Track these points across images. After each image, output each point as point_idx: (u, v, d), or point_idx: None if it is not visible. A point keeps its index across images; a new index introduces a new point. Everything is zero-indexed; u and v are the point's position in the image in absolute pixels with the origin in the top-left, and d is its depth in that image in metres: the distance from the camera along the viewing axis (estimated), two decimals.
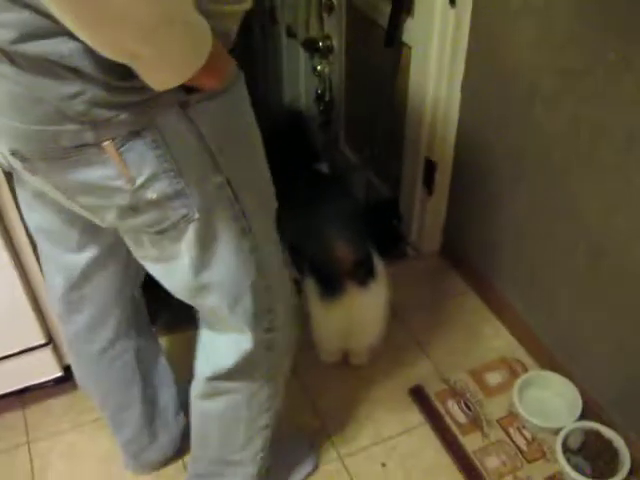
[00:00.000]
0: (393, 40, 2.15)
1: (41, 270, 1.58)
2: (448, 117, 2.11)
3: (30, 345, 1.83)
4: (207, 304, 1.26)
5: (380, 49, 2.24)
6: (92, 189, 1.04)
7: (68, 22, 0.79)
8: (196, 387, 1.45)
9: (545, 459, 1.82)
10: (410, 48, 2.13)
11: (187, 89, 0.97)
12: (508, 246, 2.08)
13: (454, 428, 1.90)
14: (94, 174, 1.00)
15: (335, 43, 2.58)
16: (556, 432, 1.81)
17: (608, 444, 1.76)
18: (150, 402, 1.70)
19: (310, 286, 1.85)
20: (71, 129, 0.93)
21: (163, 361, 1.73)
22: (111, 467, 1.87)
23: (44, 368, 1.91)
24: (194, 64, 0.91)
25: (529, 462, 1.81)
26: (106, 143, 0.96)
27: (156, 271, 1.24)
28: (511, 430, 1.89)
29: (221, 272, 1.19)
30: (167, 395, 1.73)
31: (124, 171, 0.99)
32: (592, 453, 1.75)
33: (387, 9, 2.12)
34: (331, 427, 1.94)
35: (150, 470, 1.85)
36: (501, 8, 1.78)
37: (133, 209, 1.05)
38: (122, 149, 0.97)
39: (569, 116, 1.66)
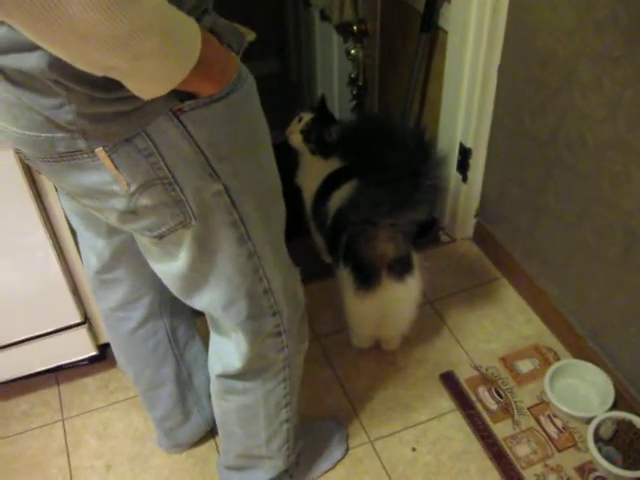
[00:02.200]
0: (430, 25, 2.14)
1: (78, 250, 1.60)
2: (483, 103, 2.09)
3: (66, 324, 1.86)
4: (202, 305, 1.27)
5: (416, 33, 2.23)
6: (91, 192, 1.04)
7: (34, 40, 0.76)
8: (212, 385, 1.48)
9: (576, 448, 1.81)
10: (446, 33, 2.12)
11: (181, 96, 0.95)
12: (542, 232, 2.06)
13: (485, 415, 1.90)
14: (90, 178, 1.01)
15: (370, 27, 2.57)
16: (588, 421, 1.81)
17: None
18: (183, 382, 1.72)
19: (345, 275, 1.84)
20: (63, 137, 0.94)
21: (199, 343, 1.75)
22: (144, 445, 1.90)
23: (79, 347, 1.94)
24: (178, 72, 0.87)
25: (560, 451, 1.81)
26: (98, 150, 0.95)
27: (157, 268, 1.25)
28: (542, 418, 1.89)
29: (217, 275, 1.19)
30: (202, 376, 1.75)
31: (118, 177, 0.99)
32: (624, 443, 1.74)
33: None
34: (361, 411, 1.95)
35: (182, 449, 1.87)
36: None
37: (131, 213, 1.05)
38: (114, 155, 0.96)
39: (606, 101, 1.64)
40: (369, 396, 1.99)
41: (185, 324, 1.69)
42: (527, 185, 2.07)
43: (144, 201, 1.02)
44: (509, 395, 1.95)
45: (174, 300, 1.63)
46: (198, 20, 0.90)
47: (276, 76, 3.54)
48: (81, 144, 0.94)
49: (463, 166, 2.27)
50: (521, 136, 2.02)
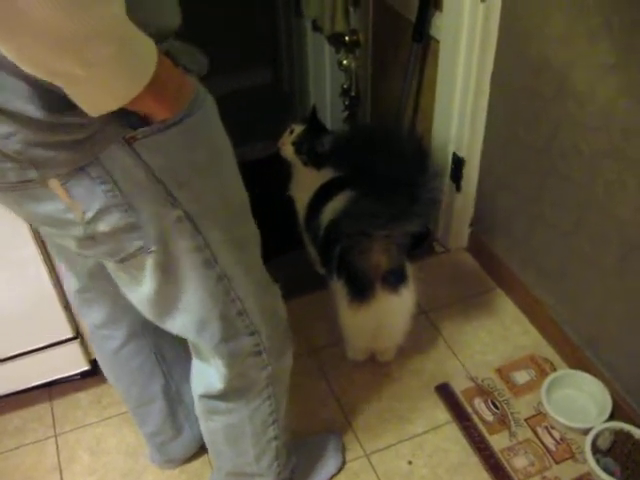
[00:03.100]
0: (422, 34, 2.14)
1: None
2: (476, 112, 2.09)
3: (58, 339, 1.85)
4: (176, 329, 1.25)
5: (407, 43, 2.22)
6: (47, 220, 1.03)
7: None
8: (197, 406, 1.46)
9: (574, 460, 1.80)
10: (438, 42, 2.11)
11: (133, 124, 0.92)
12: (537, 241, 2.05)
13: (481, 427, 1.89)
14: (45, 207, 0.99)
15: (361, 37, 2.56)
16: (585, 432, 1.79)
17: (638, 445, 1.74)
18: (173, 398, 1.70)
19: (339, 287, 1.83)
20: (12, 167, 0.91)
21: (187, 359, 1.73)
22: (137, 461, 1.88)
23: (71, 362, 1.93)
24: (132, 86, 0.84)
25: (557, 462, 1.79)
26: (50, 180, 0.93)
27: (126, 292, 1.22)
28: (539, 430, 1.87)
29: (186, 300, 1.17)
30: (191, 392, 1.73)
31: (73, 206, 0.97)
32: (622, 454, 1.73)
33: (415, 3, 2.11)
34: (357, 424, 1.93)
35: (175, 465, 1.85)
36: (532, 2, 1.76)
37: (90, 239, 1.03)
38: (68, 185, 0.94)
39: (601, 109, 1.64)
40: (364, 409, 1.97)
41: (171, 341, 1.66)
42: (522, 194, 2.06)
43: (101, 228, 1.00)
44: (505, 406, 1.93)
45: None
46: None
47: (268, 87, 3.53)
48: (32, 174, 0.92)
49: (456, 175, 2.26)
50: (515, 145, 2.01)
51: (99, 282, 1.42)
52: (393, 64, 2.44)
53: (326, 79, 2.92)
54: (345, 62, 2.66)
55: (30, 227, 1.58)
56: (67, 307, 1.79)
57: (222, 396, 1.37)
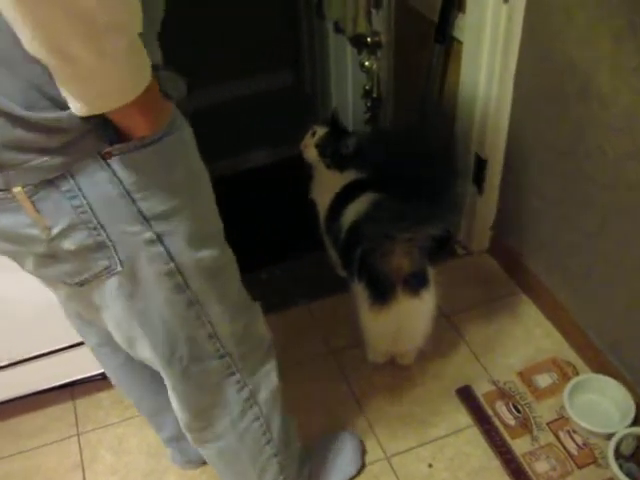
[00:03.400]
0: (444, 36, 2.13)
1: None
2: (499, 113, 2.07)
3: (80, 340, 1.84)
4: (144, 356, 1.22)
5: (430, 45, 2.21)
6: (5, 235, 0.98)
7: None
8: (187, 437, 1.42)
9: (596, 465, 1.78)
10: (461, 44, 2.10)
11: (110, 139, 0.91)
12: (561, 244, 2.03)
13: (503, 430, 1.87)
14: (7, 220, 0.94)
15: (383, 39, 2.56)
16: (608, 437, 1.77)
17: None
18: None
19: (360, 290, 1.82)
20: None
21: None
22: (158, 461, 1.89)
23: (93, 362, 1.92)
24: (131, 88, 0.84)
25: (580, 467, 1.77)
26: (17, 190, 0.90)
27: (92, 318, 1.19)
28: (561, 434, 1.85)
29: (152, 325, 1.13)
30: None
31: (38, 220, 0.93)
32: None
33: (437, 4, 2.10)
34: (378, 426, 1.92)
35: (196, 465, 1.85)
36: (556, 3, 1.74)
37: (51, 257, 1.00)
38: (35, 197, 0.91)
39: (624, 111, 1.62)
40: (385, 411, 1.96)
41: None
42: (545, 196, 2.04)
43: (66, 245, 0.97)
44: (527, 410, 1.92)
45: None
46: None
47: (290, 89, 3.53)
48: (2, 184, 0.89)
49: (479, 178, 2.25)
50: (538, 147, 2.00)
51: None
52: (415, 66, 2.42)
53: (348, 81, 2.93)
54: (367, 64, 2.65)
55: None
56: None
57: (202, 427, 1.35)
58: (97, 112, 0.85)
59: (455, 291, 2.29)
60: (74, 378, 1.98)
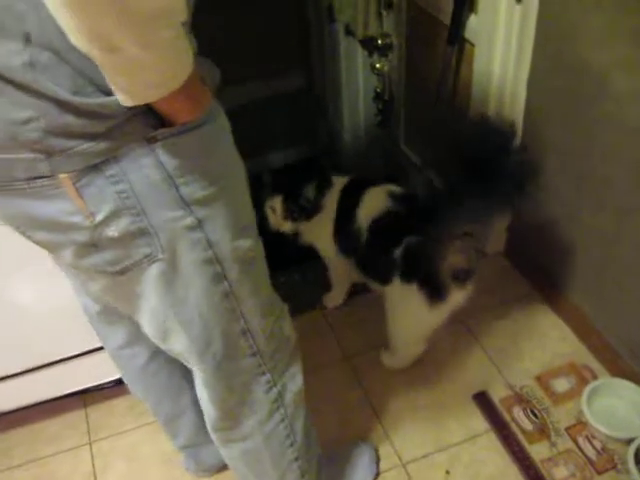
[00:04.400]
0: (456, 37, 2.10)
1: None
2: (512, 116, 2.05)
3: (92, 347, 1.85)
4: (179, 349, 1.21)
5: (441, 46, 2.19)
6: (47, 224, 0.97)
7: None
8: (212, 436, 1.42)
9: (616, 470, 1.75)
10: (473, 45, 2.08)
11: (154, 124, 0.91)
12: (576, 246, 2.01)
13: (520, 436, 1.85)
14: (49, 209, 0.94)
15: (394, 41, 2.54)
16: (628, 442, 1.75)
17: None
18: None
19: (412, 291, 1.80)
20: (24, 158, 0.87)
21: None
22: (172, 469, 1.88)
23: (105, 369, 1.92)
24: (175, 78, 0.85)
25: (599, 473, 1.75)
26: (62, 176, 0.89)
27: (126, 310, 1.18)
28: (580, 439, 1.83)
29: (189, 316, 1.13)
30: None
31: (82, 207, 0.93)
32: None
33: (449, 6, 2.08)
34: (393, 433, 1.90)
35: (210, 473, 1.85)
36: (570, 3, 1.72)
37: (93, 246, 0.99)
38: (79, 183, 0.91)
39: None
40: (400, 417, 1.94)
41: None
42: (560, 198, 2.02)
43: (109, 233, 0.97)
44: (545, 415, 1.90)
45: None
46: None
47: (300, 91, 3.52)
48: (43, 168, 0.88)
49: None
50: (552, 149, 1.97)
51: None
52: (427, 67, 2.41)
53: (359, 83, 2.91)
54: (378, 66, 2.63)
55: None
56: None
57: (230, 425, 1.34)
58: (142, 103, 0.85)
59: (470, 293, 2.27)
60: (87, 385, 1.97)
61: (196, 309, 1.12)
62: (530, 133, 2.06)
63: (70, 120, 0.85)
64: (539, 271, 2.24)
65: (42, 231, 0.99)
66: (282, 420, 1.37)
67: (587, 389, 1.87)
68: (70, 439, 1.98)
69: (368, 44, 2.63)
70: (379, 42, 2.56)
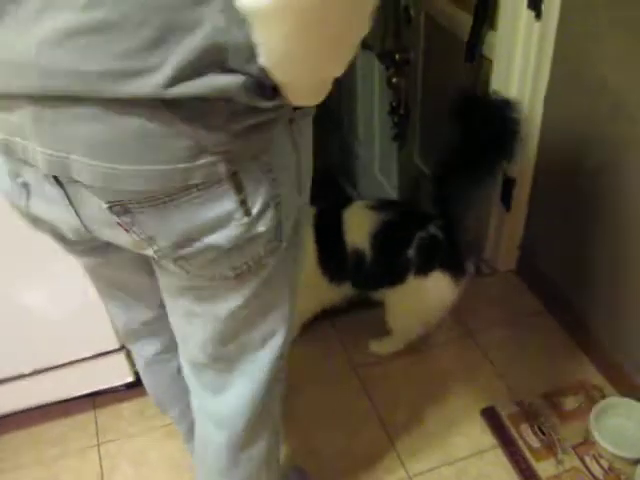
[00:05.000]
0: (474, 54, 2.11)
1: None
2: (529, 132, 2.06)
3: (103, 350, 1.86)
4: (238, 346, 1.15)
5: (459, 62, 2.21)
6: (195, 233, 0.88)
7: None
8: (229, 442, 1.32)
9: None
10: (491, 62, 2.09)
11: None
12: (588, 265, 2.01)
13: (527, 453, 1.85)
14: (210, 212, 0.86)
15: (412, 56, 2.55)
16: (635, 462, 1.75)
17: None
18: None
19: (437, 277, 1.92)
20: (204, 163, 0.81)
21: None
22: (179, 474, 1.87)
23: (116, 372, 1.94)
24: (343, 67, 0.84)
25: None
26: (232, 173, 0.84)
27: (196, 311, 1.10)
28: (587, 458, 1.82)
29: (274, 307, 1.10)
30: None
31: (242, 203, 0.87)
32: None
33: (468, 22, 2.09)
34: (400, 445, 1.90)
35: None
36: (589, 22, 1.73)
37: (236, 247, 0.92)
38: (242, 176, 0.85)
39: None
40: (408, 430, 1.94)
41: None
42: (573, 217, 2.02)
43: (259, 228, 0.90)
44: (552, 433, 1.89)
45: None
46: None
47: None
48: (221, 168, 0.82)
49: (507, 196, 2.23)
50: (568, 166, 1.98)
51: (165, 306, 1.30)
52: (444, 83, 2.42)
53: (375, 96, 2.92)
54: (394, 80, 2.64)
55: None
56: None
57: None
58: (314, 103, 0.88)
59: (480, 309, 2.28)
60: (97, 388, 1.98)
61: (281, 298, 1.11)
62: (546, 151, 2.06)
63: (250, 118, 0.82)
64: (550, 289, 2.24)
65: (184, 243, 0.90)
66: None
67: (595, 408, 1.86)
68: (78, 441, 1.98)
69: (385, 58, 2.64)
70: (396, 57, 2.57)
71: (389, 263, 1.94)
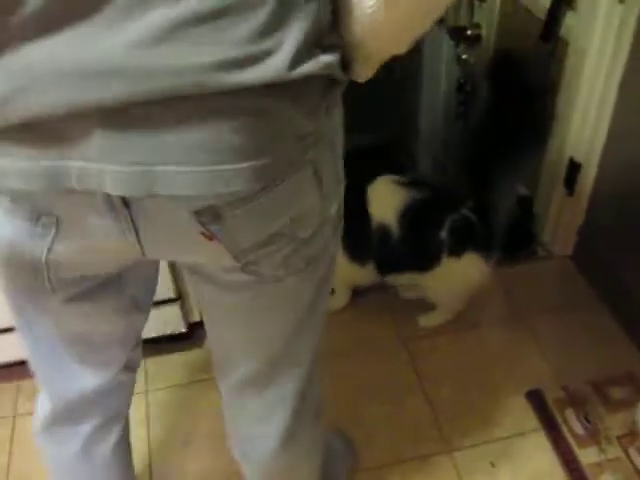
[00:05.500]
0: (551, 34, 2.08)
1: None
2: (600, 118, 2.02)
3: (160, 298, 1.88)
4: (296, 359, 1.12)
5: (532, 42, 2.17)
6: (285, 224, 0.83)
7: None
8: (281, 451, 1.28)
9: None
10: (567, 43, 2.05)
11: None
12: None
13: (570, 438, 1.84)
14: (304, 201, 0.83)
15: (484, 33, 2.52)
16: None
17: None
18: None
19: (468, 260, 1.94)
20: (303, 148, 0.78)
21: None
22: (223, 423, 1.90)
23: (170, 322, 1.97)
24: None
25: None
26: (314, 156, 0.81)
27: (264, 322, 1.02)
28: (631, 450, 1.81)
29: (321, 307, 1.05)
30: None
31: (320, 186, 0.83)
32: None
33: (547, 0, 2.05)
34: (443, 419, 1.91)
35: None
36: None
37: (312, 235, 0.88)
38: (318, 158, 0.82)
39: None
40: (451, 405, 1.95)
41: None
42: (637, 205, 1.99)
43: (332, 210, 0.88)
44: (598, 421, 1.88)
45: None
46: None
47: (379, 74, 3.51)
48: (311, 154, 0.79)
49: (571, 180, 2.20)
50: (635, 160, 1.94)
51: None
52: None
53: (441, 72, 2.89)
54: (464, 56, 2.62)
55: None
56: (173, 268, 1.82)
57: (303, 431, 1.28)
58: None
59: (533, 293, 2.26)
60: (149, 336, 2.01)
61: (324, 298, 1.06)
62: (616, 139, 2.03)
63: (336, 96, 0.81)
64: (606, 278, 2.21)
65: (271, 240, 0.84)
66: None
67: None
68: None
69: (456, 34, 2.62)
70: (468, 33, 2.55)
71: (420, 242, 1.92)
